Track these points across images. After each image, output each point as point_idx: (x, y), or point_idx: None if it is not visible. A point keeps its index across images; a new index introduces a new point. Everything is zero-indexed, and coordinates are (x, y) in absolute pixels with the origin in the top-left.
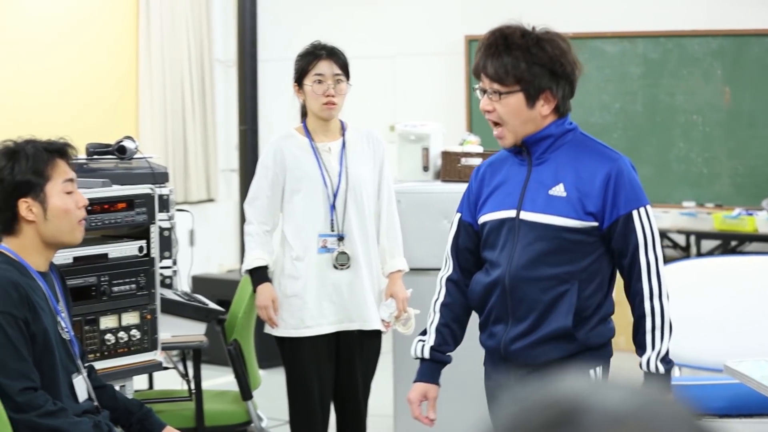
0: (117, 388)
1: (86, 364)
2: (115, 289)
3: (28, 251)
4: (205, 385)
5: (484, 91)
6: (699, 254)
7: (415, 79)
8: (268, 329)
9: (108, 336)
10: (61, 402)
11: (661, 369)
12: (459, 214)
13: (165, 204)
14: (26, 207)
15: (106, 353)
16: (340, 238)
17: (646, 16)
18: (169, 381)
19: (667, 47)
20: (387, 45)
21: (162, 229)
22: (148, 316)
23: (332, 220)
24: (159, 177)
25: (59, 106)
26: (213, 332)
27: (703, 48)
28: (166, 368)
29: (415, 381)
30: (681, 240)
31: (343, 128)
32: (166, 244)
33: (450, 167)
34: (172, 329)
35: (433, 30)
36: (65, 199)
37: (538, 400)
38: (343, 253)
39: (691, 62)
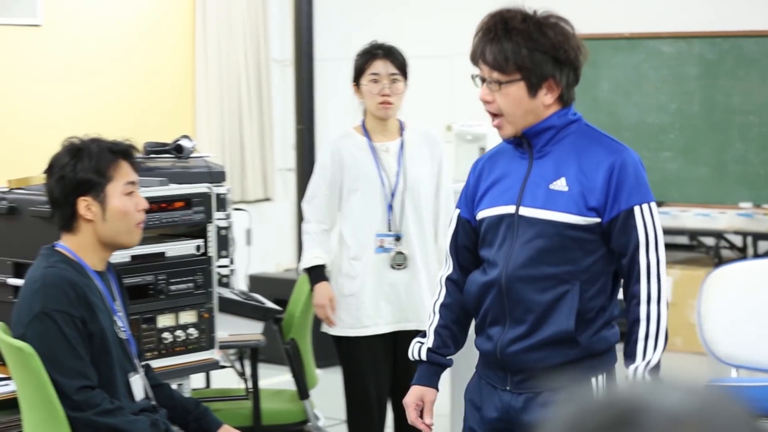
0: (174, 386)
1: (143, 363)
2: (173, 287)
3: (86, 250)
4: (262, 384)
5: (483, 80)
6: (756, 255)
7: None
8: (325, 328)
9: (165, 334)
10: (118, 401)
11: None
12: (458, 211)
13: (222, 203)
14: (85, 206)
15: (163, 352)
16: (397, 238)
17: (703, 16)
18: (226, 380)
19: (724, 48)
20: (444, 45)
21: (219, 228)
22: (206, 315)
23: (389, 220)
24: (216, 176)
25: (118, 105)
26: (270, 331)
27: (761, 48)
28: (223, 367)
29: (412, 384)
30: (738, 241)
31: (401, 128)
32: (224, 243)
33: None
34: (229, 328)
35: None
36: (125, 200)
37: (597, 400)
38: (400, 253)
39: (748, 63)
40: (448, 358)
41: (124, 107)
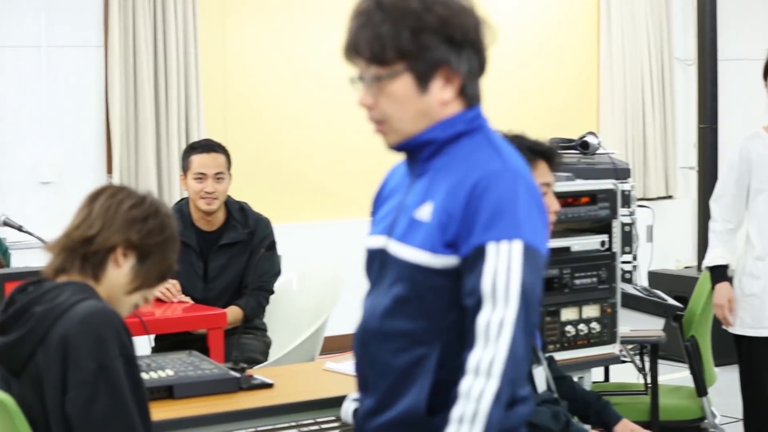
0: (575, 379)
1: (547, 355)
2: (577, 282)
3: None
4: (661, 379)
5: (360, 79)
6: None
7: None
8: (726, 326)
9: (568, 328)
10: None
11: None
12: None
13: (626, 200)
14: None
15: (566, 344)
16: None
17: None
18: (624, 374)
19: None
20: None
21: (623, 225)
22: (608, 310)
23: None
24: (621, 173)
25: (525, 102)
26: (669, 328)
27: None
28: (623, 361)
29: None
30: None
31: None
32: (627, 239)
33: None
34: (629, 323)
35: None
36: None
37: None
38: None
39: None
40: None
41: (529, 104)
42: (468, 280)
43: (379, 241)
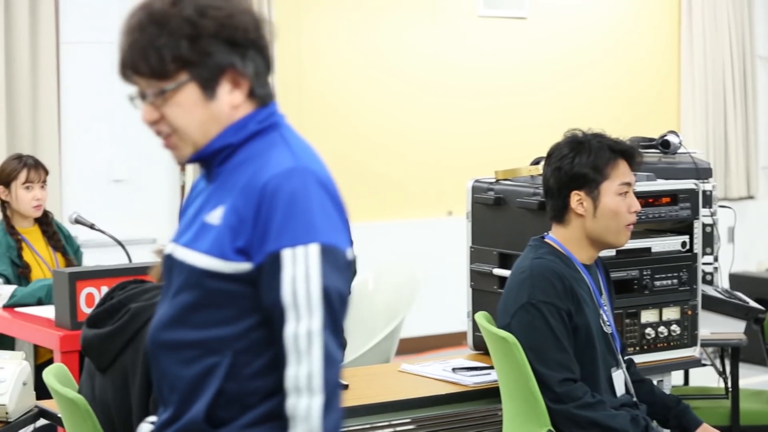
0: (655, 382)
1: (626, 358)
2: (657, 283)
3: (574, 244)
4: (741, 383)
5: (143, 96)
6: None
7: None
8: None
9: (648, 330)
10: (599, 394)
11: None
12: None
13: (708, 200)
14: (578, 200)
15: (645, 347)
16: None
17: None
18: (705, 378)
19: None
20: None
21: (704, 225)
22: (689, 312)
23: None
24: (702, 173)
25: (602, 98)
26: (751, 330)
27: None
28: (703, 365)
29: None
30: None
31: None
32: (708, 240)
33: None
34: (709, 325)
35: None
36: (618, 200)
37: None
38: None
39: None
40: None
41: (608, 101)
42: (267, 291)
43: (168, 248)
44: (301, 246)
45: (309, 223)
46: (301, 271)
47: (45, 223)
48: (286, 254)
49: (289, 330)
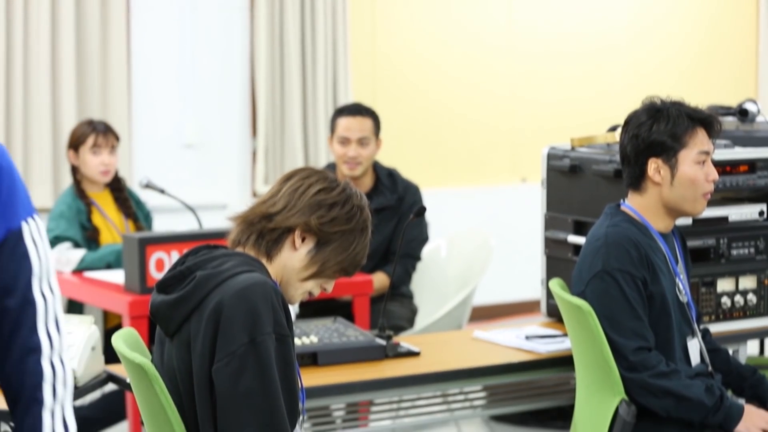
0: (730, 352)
1: (701, 327)
2: (734, 252)
3: (650, 212)
4: None
5: None
6: None
7: None
8: None
9: (724, 299)
10: (674, 364)
11: None
12: None
13: None
14: (655, 168)
15: (720, 316)
16: None
17: None
18: None
19: None
20: None
21: None
22: (766, 281)
23: None
24: None
25: (682, 69)
26: None
27: None
28: None
29: None
30: None
31: None
32: None
33: None
34: None
35: None
36: (696, 169)
37: None
38: None
39: None
40: None
41: (688, 71)
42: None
43: None
44: (31, 217)
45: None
46: (39, 240)
47: (117, 189)
48: (27, 227)
49: (40, 294)
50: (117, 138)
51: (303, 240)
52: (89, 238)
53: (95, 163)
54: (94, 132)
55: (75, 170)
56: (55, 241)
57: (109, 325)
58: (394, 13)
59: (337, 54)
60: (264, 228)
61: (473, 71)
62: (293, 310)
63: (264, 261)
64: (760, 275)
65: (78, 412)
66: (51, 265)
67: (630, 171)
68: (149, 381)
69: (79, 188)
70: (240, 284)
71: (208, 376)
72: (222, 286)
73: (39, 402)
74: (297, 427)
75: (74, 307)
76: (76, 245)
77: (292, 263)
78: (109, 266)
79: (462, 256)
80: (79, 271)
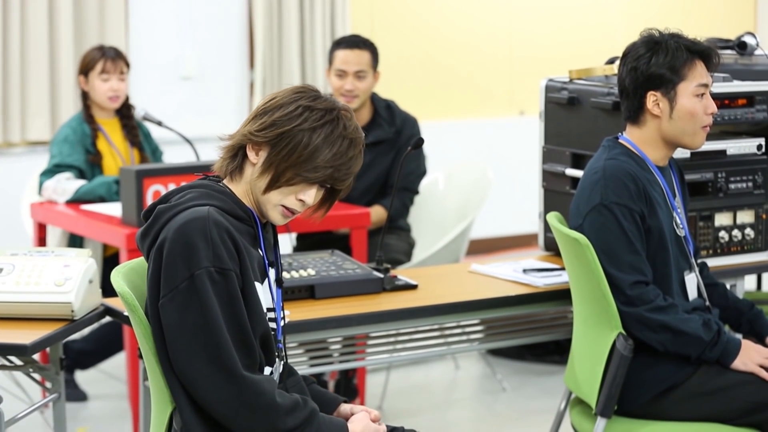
0: (728, 287)
1: (699, 261)
2: (732, 186)
3: (649, 145)
4: None
5: None
6: None
7: None
8: None
9: (722, 233)
10: (671, 298)
11: None
12: None
13: None
14: (654, 100)
15: (718, 251)
16: None
17: None
18: None
19: None
20: None
21: None
22: (764, 216)
23: None
24: None
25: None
26: None
27: None
28: None
29: None
30: None
31: None
32: None
33: None
34: None
35: None
36: (695, 102)
37: None
38: None
39: None
40: None
41: (686, 3)
42: None
43: None
44: None
45: None
46: None
47: (126, 116)
48: None
49: None
50: (127, 64)
51: (257, 153)
52: (92, 162)
53: (104, 89)
54: (103, 57)
55: (85, 96)
56: (55, 170)
57: (108, 253)
58: None
59: None
60: (232, 149)
61: (471, 3)
62: (289, 241)
63: (232, 186)
64: (758, 209)
65: (75, 344)
66: None
67: (628, 104)
68: (130, 309)
69: (88, 113)
70: (181, 219)
71: (157, 311)
72: (171, 221)
73: None
74: (274, 365)
75: (75, 239)
76: (80, 174)
77: (252, 179)
78: (102, 199)
79: (460, 189)
80: (72, 202)
